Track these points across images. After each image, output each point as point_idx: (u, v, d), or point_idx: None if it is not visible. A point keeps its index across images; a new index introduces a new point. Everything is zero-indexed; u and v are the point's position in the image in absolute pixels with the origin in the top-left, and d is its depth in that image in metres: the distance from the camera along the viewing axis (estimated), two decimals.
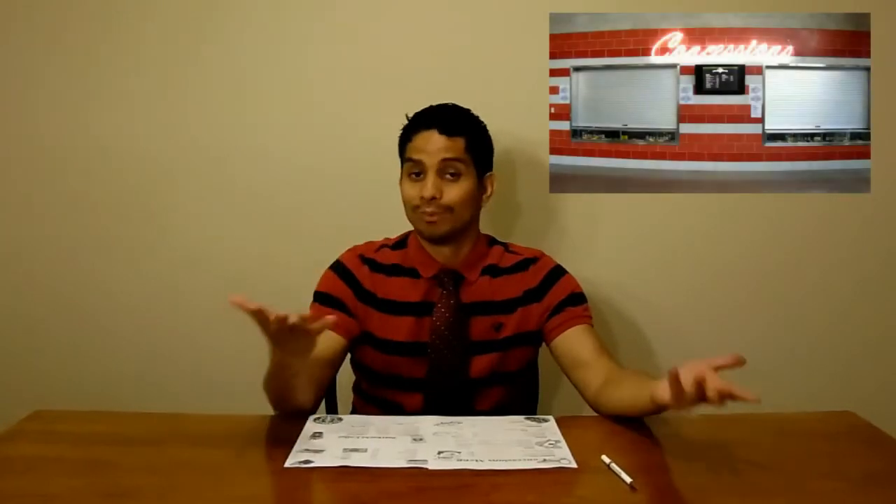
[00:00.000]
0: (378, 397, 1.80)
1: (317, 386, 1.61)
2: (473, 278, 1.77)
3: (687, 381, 1.26)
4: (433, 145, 1.71)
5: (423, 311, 1.75)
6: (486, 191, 1.80)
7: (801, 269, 2.22)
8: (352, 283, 1.76)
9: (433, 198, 1.69)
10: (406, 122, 1.79)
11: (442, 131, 1.71)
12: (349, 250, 1.82)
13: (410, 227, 1.82)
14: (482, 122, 1.80)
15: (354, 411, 1.87)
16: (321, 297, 1.76)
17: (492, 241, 1.85)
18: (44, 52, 2.15)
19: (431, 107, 1.79)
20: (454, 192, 1.71)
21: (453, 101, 1.80)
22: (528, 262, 1.82)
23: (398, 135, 1.80)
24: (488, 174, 1.80)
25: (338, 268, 1.79)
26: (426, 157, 1.71)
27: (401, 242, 1.83)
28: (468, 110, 1.80)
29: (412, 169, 1.73)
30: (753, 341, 2.24)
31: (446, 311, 1.74)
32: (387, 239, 1.85)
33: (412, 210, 1.74)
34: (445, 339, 1.73)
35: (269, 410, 1.57)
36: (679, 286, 2.24)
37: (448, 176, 1.71)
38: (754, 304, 2.24)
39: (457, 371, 1.74)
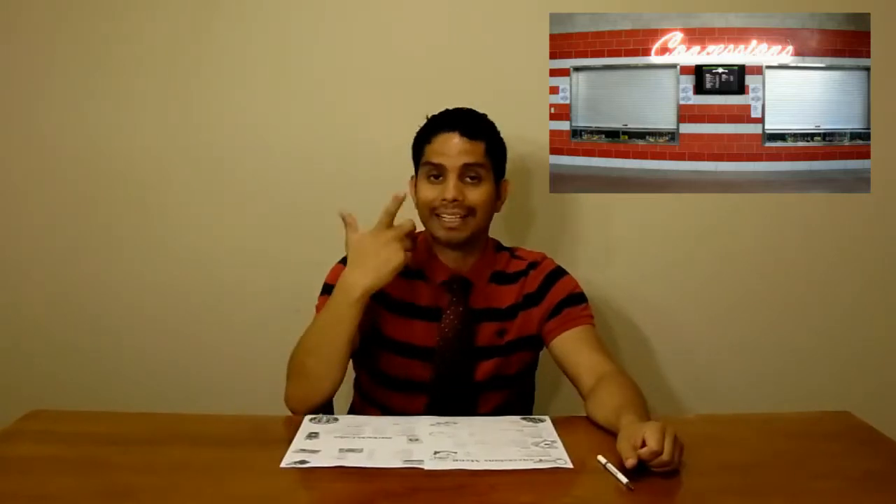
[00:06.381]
0: (381, 399, 1.78)
1: (343, 369, 1.60)
2: (482, 285, 1.76)
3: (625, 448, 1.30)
4: (454, 148, 1.68)
5: (432, 316, 1.74)
6: (501, 197, 1.79)
7: (801, 269, 2.22)
8: None
9: (455, 200, 1.67)
10: (421, 124, 1.77)
11: (463, 134, 1.68)
12: None
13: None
14: (497, 128, 1.78)
15: (353, 409, 1.87)
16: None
17: (498, 247, 1.85)
18: (43, 51, 2.15)
19: (449, 110, 1.77)
20: (476, 195, 1.69)
21: (453, 101, 1.79)
22: (530, 266, 1.81)
23: (398, 134, 1.79)
24: (503, 180, 1.79)
25: None
26: (447, 160, 1.68)
27: None
28: (485, 115, 1.77)
29: (431, 171, 1.70)
30: (753, 341, 2.24)
31: (455, 317, 1.74)
32: None
33: (430, 213, 1.71)
34: (452, 345, 1.72)
35: (266, 410, 1.57)
36: (679, 286, 2.23)
37: (468, 179, 1.69)
38: (754, 304, 2.23)
39: (462, 375, 1.74)
